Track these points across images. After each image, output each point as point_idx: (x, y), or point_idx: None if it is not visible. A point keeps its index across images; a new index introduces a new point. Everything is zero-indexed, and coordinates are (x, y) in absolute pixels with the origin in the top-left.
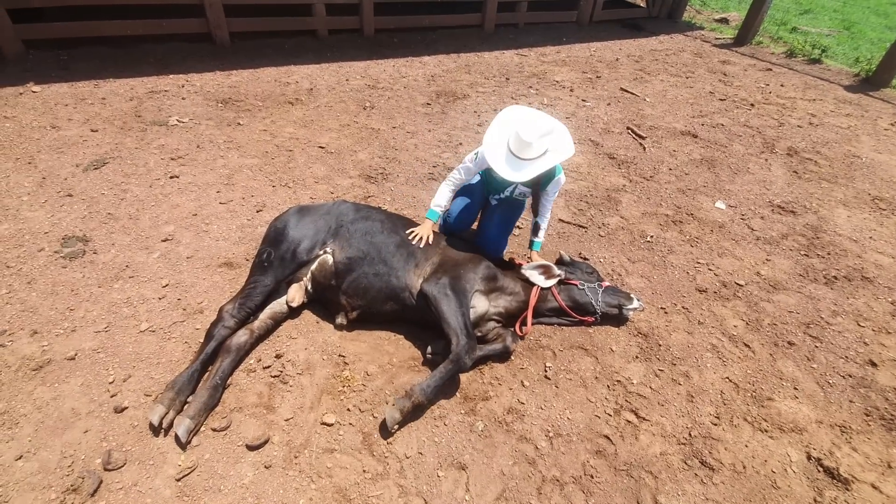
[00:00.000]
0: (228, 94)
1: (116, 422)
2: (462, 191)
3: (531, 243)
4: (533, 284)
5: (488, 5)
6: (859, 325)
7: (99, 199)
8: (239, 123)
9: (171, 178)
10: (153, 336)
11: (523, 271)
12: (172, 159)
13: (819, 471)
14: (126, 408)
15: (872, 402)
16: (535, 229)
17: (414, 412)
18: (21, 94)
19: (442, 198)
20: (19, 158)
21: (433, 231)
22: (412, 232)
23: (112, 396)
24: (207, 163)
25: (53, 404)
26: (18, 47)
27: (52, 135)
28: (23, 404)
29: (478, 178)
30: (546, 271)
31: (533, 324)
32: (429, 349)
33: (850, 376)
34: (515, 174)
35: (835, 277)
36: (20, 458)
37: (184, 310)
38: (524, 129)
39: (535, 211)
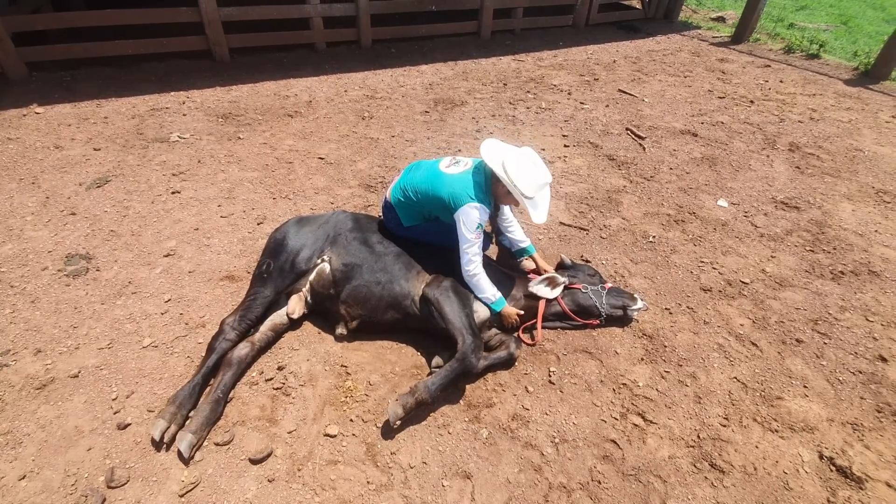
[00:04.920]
0: (228, 108)
1: (119, 438)
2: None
3: (524, 251)
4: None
5: (484, 12)
6: (868, 320)
7: (102, 216)
8: (239, 137)
9: (173, 193)
10: (156, 351)
11: (531, 289)
12: (174, 175)
13: (832, 470)
14: (129, 424)
15: (884, 399)
16: (517, 240)
17: (417, 410)
18: (25, 115)
19: (489, 286)
20: (23, 179)
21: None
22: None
23: (115, 413)
24: (208, 177)
25: (57, 422)
26: (22, 69)
27: (56, 154)
28: (26, 423)
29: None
30: (551, 282)
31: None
32: (434, 360)
33: (861, 372)
34: (544, 216)
35: (841, 272)
36: (23, 477)
37: (186, 324)
38: (540, 170)
39: (501, 230)
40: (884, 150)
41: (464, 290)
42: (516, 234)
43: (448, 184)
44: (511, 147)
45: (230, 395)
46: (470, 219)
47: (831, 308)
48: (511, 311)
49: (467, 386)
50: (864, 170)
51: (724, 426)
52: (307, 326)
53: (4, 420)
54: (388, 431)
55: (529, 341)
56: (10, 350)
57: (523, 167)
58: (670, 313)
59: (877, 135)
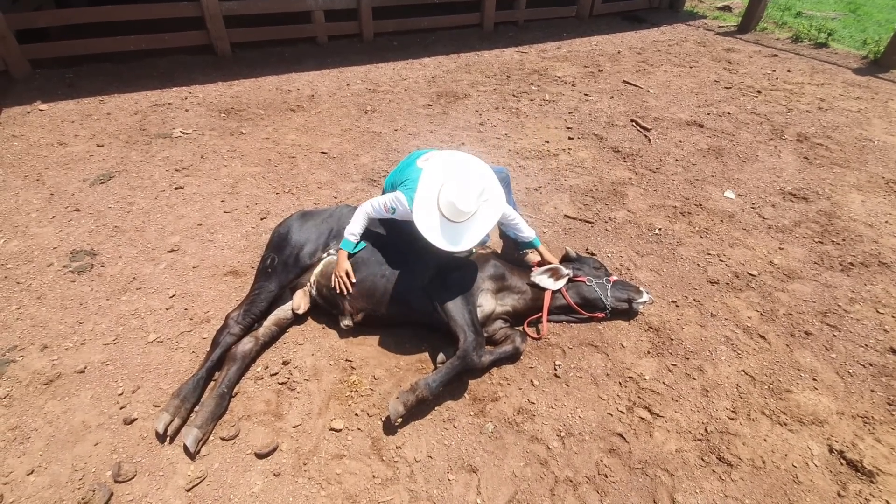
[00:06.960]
0: (231, 103)
1: (126, 433)
2: None
3: (529, 244)
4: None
5: (486, 4)
6: (878, 311)
7: (106, 212)
8: (242, 132)
9: (176, 189)
10: (161, 347)
11: (532, 278)
12: (177, 171)
13: (842, 464)
14: (135, 419)
15: (895, 391)
16: (522, 234)
17: (418, 407)
18: (29, 112)
19: (358, 226)
20: (28, 176)
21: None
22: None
23: (121, 408)
24: (211, 173)
25: (64, 418)
26: (25, 67)
27: (60, 151)
28: (34, 419)
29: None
30: (554, 273)
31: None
32: (438, 357)
33: (871, 365)
34: (454, 246)
35: (851, 264)
36: (32, 472)
37: (191, 319)
38: (460, 198)
39: (506, 223)
40: (894, 139)
41: (467, 286)
42: (521, 227)
43: (409, 173)
44: (461, 172)
45: (235, 390)
46: (392, 198)
47: (841, 300)
48: (342, 267)
49: (472, 380)
50: (873, 160)
51: (732, 419)
52: (311, 321)
53: (12, 415)
54: (393, 426)
55: (535, 335)
56: (17, 346)
57: (456, 191)
58: (677, 306)
59: (887, 124)
